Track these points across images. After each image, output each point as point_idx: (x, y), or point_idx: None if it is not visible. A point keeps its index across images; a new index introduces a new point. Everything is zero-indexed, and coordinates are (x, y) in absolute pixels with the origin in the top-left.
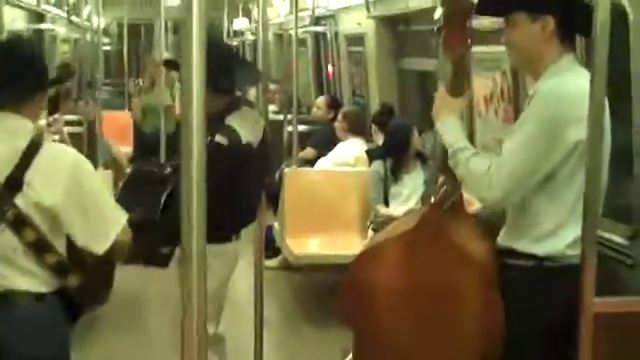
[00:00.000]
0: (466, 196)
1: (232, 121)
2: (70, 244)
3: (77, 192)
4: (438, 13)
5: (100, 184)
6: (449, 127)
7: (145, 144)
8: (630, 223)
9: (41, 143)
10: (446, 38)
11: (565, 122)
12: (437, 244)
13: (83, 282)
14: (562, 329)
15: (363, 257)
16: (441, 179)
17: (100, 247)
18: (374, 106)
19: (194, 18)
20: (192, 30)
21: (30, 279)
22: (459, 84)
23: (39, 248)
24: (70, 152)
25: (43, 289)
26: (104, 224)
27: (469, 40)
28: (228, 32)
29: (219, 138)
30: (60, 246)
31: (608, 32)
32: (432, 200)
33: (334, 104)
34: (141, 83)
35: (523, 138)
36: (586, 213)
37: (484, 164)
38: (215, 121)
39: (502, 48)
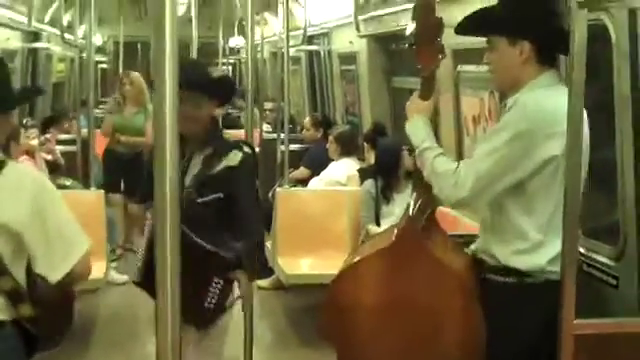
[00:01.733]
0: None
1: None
2: (27, 272)
3: (40, 214)
4: (409, 30)
5: (64, 208)
6: (416, 127)
7: (116, 168)
8: (616, 244)
9: (5, 163)
10: (419, 54)
11: (539, 136)
12: (416, 259)
13: (36, 313)
14: (542, 346)
15: (343, 276)
16: (415, 194)
17: (56, 275)
18: (367, 124)
19: (167, 34)
20: (165, 47)
21: None
22: (428, 90)
23: None
24: (35, 173)
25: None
26: (64, 250)
27: (440, 55)
28: (224, 50)
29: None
30: (18, 272)
31: (585, 51)
32: (409, 215)
33: (321, 123)
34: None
35: (495, 145)
36: (565, 233)
37: (450, 164)
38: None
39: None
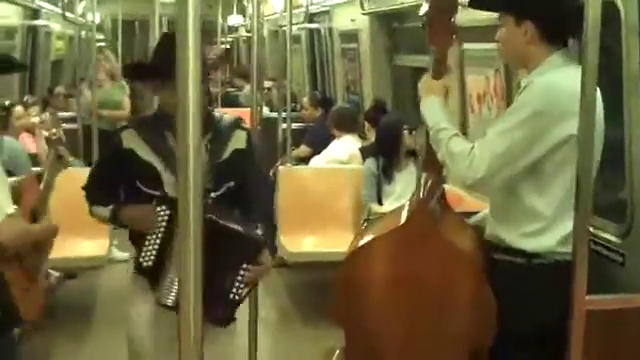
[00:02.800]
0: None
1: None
2: None
3: None
4: (424, 9)
5: None
6: (430, 107)
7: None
8: (623, 221)
9: None
10: (431, 34)
11: (555, 116)
12: (428, 240)
13: None
14: (550, 326)
15: (352, 258)
16: (424, 175)
17: None
18: (368, 103)
19: (189, 14)
20: (187, 27)
21: None
22: (440, 71)
23: None
24: None
25: None
26: None
27: (453, 36)
28: (222, 29)
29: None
30: None
31: (599, 30)
32: (419, 196)
33: (320, 101)
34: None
35: (510, 125)
36: (578, 210)
37: (465, 145)
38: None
39: (495, 45)
